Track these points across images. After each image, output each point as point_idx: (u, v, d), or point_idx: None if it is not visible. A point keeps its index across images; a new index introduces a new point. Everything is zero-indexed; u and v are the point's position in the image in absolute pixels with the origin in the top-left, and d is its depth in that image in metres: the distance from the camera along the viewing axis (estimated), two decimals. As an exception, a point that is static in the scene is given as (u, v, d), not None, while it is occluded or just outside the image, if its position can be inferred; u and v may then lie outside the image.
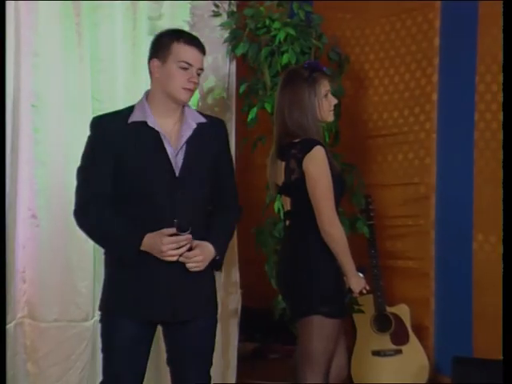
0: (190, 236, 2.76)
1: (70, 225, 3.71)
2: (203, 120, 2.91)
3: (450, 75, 4.55)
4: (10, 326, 3.63)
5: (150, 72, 2.88)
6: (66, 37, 3.71)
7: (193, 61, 2.82)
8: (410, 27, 4.76)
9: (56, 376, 3.76)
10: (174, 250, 2.75)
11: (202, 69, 2.87)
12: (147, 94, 2.90)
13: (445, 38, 4.58)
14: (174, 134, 2.84)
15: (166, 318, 2.86)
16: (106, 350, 2.91)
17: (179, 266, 2.80)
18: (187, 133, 2.85)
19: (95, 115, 2.98)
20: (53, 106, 3.72)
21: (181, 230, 2.73)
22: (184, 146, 2.83)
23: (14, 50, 3.55)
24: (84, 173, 2.86)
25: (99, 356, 3.83)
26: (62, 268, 3.72)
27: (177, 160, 2.81)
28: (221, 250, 2.90)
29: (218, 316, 4.19)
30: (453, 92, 4.54)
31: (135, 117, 2.83)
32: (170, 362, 2.98)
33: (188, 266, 2.80)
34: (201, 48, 2.87)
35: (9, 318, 3.63)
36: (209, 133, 2.91)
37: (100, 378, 3.67)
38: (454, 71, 4.53)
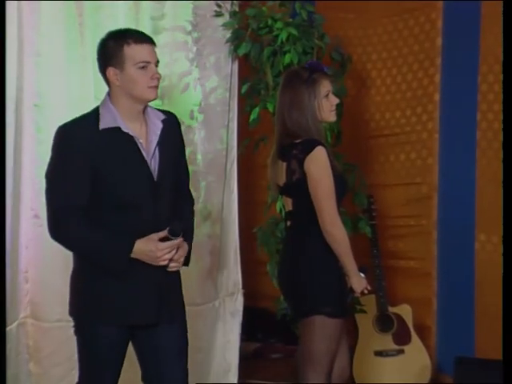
0: (182, 239, 2.75)
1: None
2: (163, 116, 2.87)
3: (452, 75, 4.55)
4: (12, 326, 3.64)
5: (108, 81, 2.78)
6: (69, 37, 3.72)
7: (149, 57, 2.75)
8: (413, 27, 4.76)
9: (59, 376, 3.76)
10: (168, 254, 2.74)
11: (158, 60, 2.80)
12: (109, 97, 2.80)
13: (447, 38, 4.57)
14: (143, 136, 2.79)
15: (153, 320, 2.81)
16: (86, 355, 2.84)
17: (161, 267, 2.78)
18: (156, 134, 2.81)
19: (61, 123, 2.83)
20: (55, 105, 3.72)
21: (174, 234, 2.71)
22: (156, 149, 2.80)
23: (16, 50, 3.56)
24: (57, 184, 2.73)
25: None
26: (65, 268, 3.67)
27: (152, 164, 2.78)
28: (191, 244, 2.88)
29: (220, 315, 4.26)
30: (455, 92, 4.54)
31: (106, 123, 2.73)
32: (142, 366, 2.92)
33: (170, 265, 2.79)
34: (150, 41, 2.78)
35: (11, 318, 3.63)
36: (170, 129, 2.87)
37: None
38: (456, 71, 4.53)
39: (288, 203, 3.25)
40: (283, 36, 4.01)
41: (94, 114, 2.78)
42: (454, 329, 4.54)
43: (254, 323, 4.88)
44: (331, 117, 3.25)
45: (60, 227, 2.75)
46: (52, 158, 2.78)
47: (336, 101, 3.23)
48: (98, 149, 2.71)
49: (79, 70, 3.75)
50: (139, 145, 2.76)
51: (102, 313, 2.78)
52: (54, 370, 3.76)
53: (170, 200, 2.84)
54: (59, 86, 3.74)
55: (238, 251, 4.30)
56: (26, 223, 3.69)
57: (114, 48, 2.73)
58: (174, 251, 2.75)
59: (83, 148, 2.70)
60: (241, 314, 4.30)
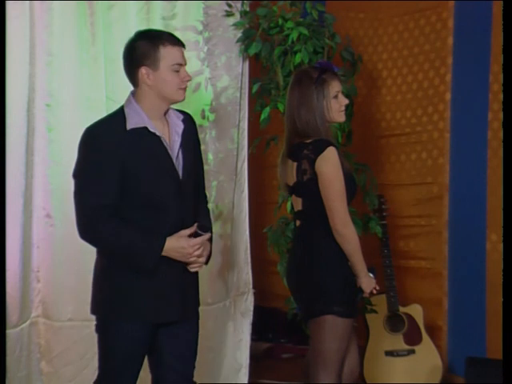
0: (210, 235, 2.83)
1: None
2: (182, 116, 2.91)
3: (463, 75, 4.54)
4: (24, 326, 3.65)
5: (135, 80, 2.81)
6: (80, 36, 3.73)
7: (182, 60, 2.82)
8: (424, 27, 4.75)
9: (70, 375, 3.77)
10: (197, 250, 2.79)
11: (186, 62, 2.86)
12: (134, 97, 2.83)
13: (458, 38, 4.56)
14: (166, 136, 2.84)
15: (177, 317, 2.86)
16: (109, 353, 2.86)
17: (182, 266, 2.83)
18: (179, 134, 2.86)
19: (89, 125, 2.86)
20: (67, 105, 3.74)
21: (203, 229, 2.79)
22: (180, 148, 2.85)
23: (28, 50, 3.57)
24: (88, 184, 2.76)
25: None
26: (77, 267, 3.73)
27: (178, 163, 2.83)
28: (211, 242, 2.94)
29: (231, 315, 4.26)
30: (466, 91, 4.52)
31: (134, 123, 2.77)
32: (155, 362, 2.95)
33: (192, 265, 2.84)
34: (182, 44, 2.85)
35: (23, 317, 3.65)
36: (189, 129, 2.93)
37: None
38: (467, 71, 4.51)
39: (297, 203, 3.25)
40: (294, 35, 4.01)
41: (120, 114, 2.81)
42: (466, 329, 4.52)
43: (265, 323, 4.88)
44: (340, 117, 3.24)
45: (92, 227, 2.77)
46: (81, 159, 2.81)
47: (345, 101, 3.23)
48: (127, 148, 2.74)
49: (91, 69, 3.77)
50: (165, 144, 2.81)
51: (130, 310, 2.81)
52: (65, 369, 3.77)
53: (192, 199, 2.90)
54: (71, 86, 3.75)
55: (249, 251, 4.31)
56: (38, 223, 3.71)
57: (148, 48, 2.77)
58: (202, 247, 2.81)
59: (112, 148, 2.73)
60: (251, 313, 4.30)
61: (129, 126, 2.76)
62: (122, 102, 3.80)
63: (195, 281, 2.94)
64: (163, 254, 2.76)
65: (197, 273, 2.92)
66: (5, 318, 3.27)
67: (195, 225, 2.81)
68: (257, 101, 4.21)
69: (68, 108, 3.73)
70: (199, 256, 2.82)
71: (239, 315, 4.28)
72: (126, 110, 2.81)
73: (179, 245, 2.76)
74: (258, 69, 4.25)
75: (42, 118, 3.69)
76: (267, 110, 4.11)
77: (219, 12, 4.11)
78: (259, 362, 4.62)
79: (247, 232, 4.29)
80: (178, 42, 2.82)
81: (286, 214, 4.11)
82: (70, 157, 3.75)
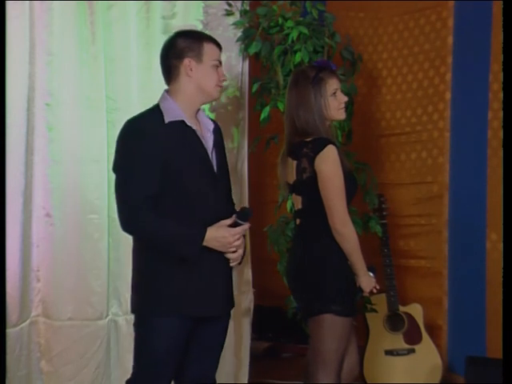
0: (249, 225, 2.87)
1: (84, 224, 3.76)
2: (209, 119, 3.01)
3: (463, 74, 4.54)
4: (24, 325, 3.65)
5: (176, 73, 2.88)
6: (80, 36, 3.73)
7: (220, 60, 2.95)
8: (424, 26, 4.75)
9: (70, 374, 3.78)
10: (238, 240, 2.83)
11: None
12: (170, 94, 2.90)
13: (458, 37, 4.56)
14: (200, 132, 2.91)
15: (220, 312, 2.91)
16: (151, 351, 2.84)
17: (224, 259, 2.87)
18: (210, 132, 2.94)
19: (129, 117, 2.92)
20: (67, 104, 3.74)
21: (243, 219, 2.83)
22: (213, 147, 2.93)
23: (28, 49, 3.58)
24: (131, 176, 2.78)
25: (113, 355, 3.88)
26: (76, 267, 3.73)
27: (212, 158, 2.90)
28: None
29: (231, 314, 4.26)
30: (466, 91, 4.52)
31: (171, 116, 2.84)
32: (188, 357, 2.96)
33: (232, 257, 2.88)
34: (220, 46, 2.99)
35: (23, 316, 3.65)
36: (219, 132, 3.02)
37: (114, 375, 3.70)
38: (467, 70, 4.51)
39: (298, 201, 3.25)
40: (294, 35, 4.01)
41: (156, 110, 2.87)
42: (465, 328, 4.52)
43: (265, 322, 4.88)
44: (340, 115, 3.24)
45: (136, 218, 2.79)
46: (122, 152, 2.84)
47: (344, 99, 3.23)
48: (167, 141, 2.79)
49: (90, 69, 3.77)
50: (201, 139, 2.88)
51: (174, 305, 2.82)
52: (65, 368, 3.78)
53: (225, 195, 2.98)
54: (70, 85, 3.75)
55: (249, 250, 4.30)
56: (38, 222, 3.71)
57: (193, 41, 2.89)
58: (242, 238, 2.85)
59: (153, 140, 2.78)
60: (251, 312, 4.30)
61: (167, 120, 2.82)
62: (121, 101, 3.84)
63: (231, 275, 2.97)
64: (204, 243, 2.78)
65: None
66: (5, 318, 3.27)
67: (234, 215, 2.84)
68: (257, 100, 4.20)
69: (68, 107, 3.74)
70: (239, 246, 2.85)
71: (239, 314, 4.27)
72: (163, 105, 2.88)
73: (220, 234, 2.80)
74: (258, 68, 4.25)
75: (42, 117, 3.69)
76: (267, 109, 4.11)
77: (219, 11, 4.10)
78: (259, 362, 4.61)
79: (247, 231, 4.28)
80: (217, 43, 2.96)
81: (286, 213, 4.11)
82: (70, 156, 3.78)
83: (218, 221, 2.83)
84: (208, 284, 2.85)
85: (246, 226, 2.84)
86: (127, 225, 2.82)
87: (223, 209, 2.90)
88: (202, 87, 2.89)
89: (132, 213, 2.78)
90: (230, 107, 4.19)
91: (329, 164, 3.10)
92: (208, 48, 2.90)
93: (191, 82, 2.88)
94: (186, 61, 2.86)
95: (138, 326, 2.89)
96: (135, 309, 2.91)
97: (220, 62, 2.94)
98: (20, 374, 3.63)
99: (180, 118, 2.84)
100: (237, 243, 2.84)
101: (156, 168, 2.76)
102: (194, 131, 2.86)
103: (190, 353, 2.92)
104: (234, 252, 2.86)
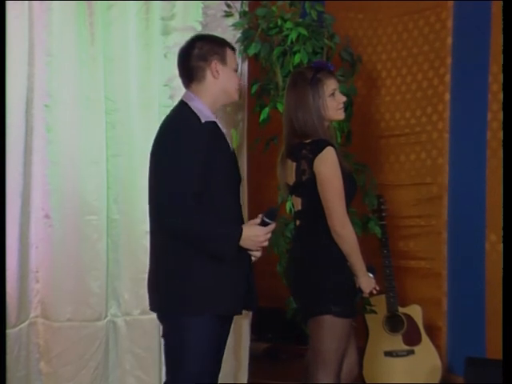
0: (275, 224, 2.91)
1: (83, 225, 3.76)
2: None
3: (462, 75, 4.54)
4: (23, 326, 3.65)
5: (202, 74, 2.93)
6: (80, 36, 3.74)
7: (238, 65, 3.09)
8: (423, 27, 4.75)
9: (69, 375, 3.78)
10: (267, 240, 2.89)
11: None
12: (195, 94, 2.94)
13: (457, 38, 4.56)
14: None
15: (241, 310, 2.94)
16: (191, 353, 2.82)
17: (247, 257, 2.92)
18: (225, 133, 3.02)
19: (164, 115, 2.99)
20: (66, 105, 3.74)
21: (271, 218, 2.86)
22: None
23: (27, 50, 3.58)
24: (178, 173, 2.78)
25: (112, 355, 3.87)
26: (75, 268, 3.74)
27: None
28: None
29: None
30: (465, 92, 4.52)
31: (206, 116, 2.88)
32: None
33: (257, 256, 2.94)
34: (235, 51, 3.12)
35: (22, 317, 3.65)
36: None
37: (113, 376, 3.69)
38: (466, 71, 4.51)
39: (297, 203, 3.25)
40: (293, 36, 4.01)
41: (188, 109, 2.90)
42: (465, 329, 4.52)
43: (265, 323, 4.87)
44: (338, 115, 3.24)
45: (183, 215, 2.78)
46: (166, 151, 2.83)
47: (343, 99, 3.23)
48: (206, 140, 2.83)
49: (90, 69, 3.77)
50: (228, 140, 2.97)
51: (215, 304, 2.83)
52: (64, 369, 3.78)
53: (240, 194, 3.08)
54: (70, 86, 3.76)
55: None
56: (37, 223, 3.71)
57: (217, 45, 2.99)
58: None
59: (196, 138, 2.82)
60: (251, 313, 4.29)
61: (203, 120, 2.86)
62: (120, 102, 3.84)
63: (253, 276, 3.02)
64: (241, 243, 2.82)
65: None
66: (5, 318, 3.27)
67: (261, 215, 2.88)
68: (256, 101, 4.20)
69: (67, 108, 3.74)
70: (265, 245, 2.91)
71: (239, 315, 4.27)
72: (193, 105, 2.91)
73: (253, 233, 2.84)
74: (258, 69, 4.25)
75: (41, 118, 3.70)
76: (266, 110, 4.11)
77: (218, 12, 4.10)
78: (259, 362, 4.61)
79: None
80: (235, 49, 3.10)
81: (286, 214, 4.11)
82: (68, 157, 3.78)
83: (239, 221, 2.92)
84: (236, 282, 2.88)
85: (273, 225, 2.88)
86: (172, 222, 2.79)
87: (241, 209, 3.00)
88: (226, 89, 2.97)
89: (179, 210, 2.77)
90: (229, 108, 4.18)
91: (328, 166, 3.10)
92: (229, 53, 3.01)
93: (217, 83, 2.95)
94: (213, 63, 2.93)
95: (173, 325, 2.85)
96: (165, 308, 2.88)
97: (237, 68, 3.05)
98: (19, 375, 3.63)
99: (213, 119, 2.91)
100: (266, 243, 2.89)
101: (200, 166, 2.80)
102: (222, 132, 2.95)
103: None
104: (258, 251, 2.92)
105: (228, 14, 4.11)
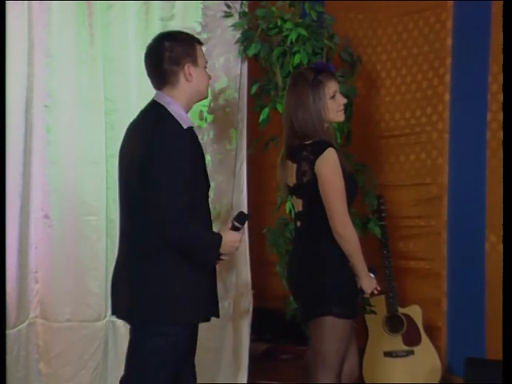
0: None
1: (82, 225, 3.77)
2: None
3: (462, 75, 4.54)
4: (22, 326, 3.65)
5: (175, 78, 2.87)
6: (79, 37, 3.73)
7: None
8: (423, 27, 4.75)
9: (68, 376, 3.78)
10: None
11: None
12: (171, 98, 2.87)
13: (457, 38, 4.56)
14: None
15: (217, 315, 2.96)
16: (168, 359, 2.80)
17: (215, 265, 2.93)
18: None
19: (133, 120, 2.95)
20: (65, 106, 3.74)
21: (242, 222, 2.88)
22: None
23: (26, 50, 3.58)
24: (177, 184, 2.72)
25: (111, 356, 3.87)
26: (75, 268, 3.73)
27: None
28: None
29: (230, 316, 4.27)
30: (465, 92, 4.52)
31: (187, 122, 2.84)
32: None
33: (225, 260, 2.92)
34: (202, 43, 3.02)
35: (21, 318, 3.65)
36: None
37: (112, 377, 3.68)
38: (466, 71, 4.51)
39: (298, 204, 3.25)
40: (293, 36, 4.01)
41: (168, 114, 2.83)
42: (465, 330, 4.52)
43: (264, 324, 4.87)
44: (338, 117, 3.24)
45: (179, 228, 2.74)
46: (157, 160, 2.74)
47: (343, 101, 3.22)
48: (191, 146, 2.81)
49: (89, 70, 3.77)
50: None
51: (197, 312, 2.84)
52: (64, 369, 3.78)
53: None
54: (69, 87, 3.76)
55: (248, 252, 4.30)
56: (36, 223, 3.71)
57: (188, 46, 2.90)
58: None
59: (184, 146, 2.77)
60: (250, 314, 4.30)
61: (185, 125, 2.82)
62: (120, 103, 3.84)
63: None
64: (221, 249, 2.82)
65: None
66: (5, 319, 3.27)
67: (232, 219, 2.89)
68: (256, 101, 4.20)
69: (66, 108, 3.74)
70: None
71: (238, 316, 4.27)
72: (174, 109, 2.85)
73: (232, 238, 2.84)
74: (257, 69, 4.25)
75: (41, 118, 3.69)
76: (266, 110, 4.11)
77: (218, 13, 4.11)
78: (258, 363, 4.61)
79: (246, 233, 4.28)
80: (201, 42, 2.99)
81: (285, 214, 4.11)
82: (68, 157, 3.78)
83: (211, 227, 2.90)
84: (212, 289, 2.91)
85: (242, 228, 2.89)
86: (170, 231, 2.74)
87: (210, 216, 2.95)
88: (199, 89, 2.93)
89: (175, 220, 2.72)
90: (229, 109, 4.19)
91: (329, 167, 3.09)
92: (199, 50, 2.93)
93: (190, 86, 2.90)
94: (186, 67, 2.87)
95: (152, 334, 2.79)
96: (144, 318, 2.81)
97: (206, 61, 2.98)
98: (18, 376, 3.63)
99: (191, 124, 2.88)
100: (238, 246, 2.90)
101: (189, 174, 2.75)
102: (197, 137, 2.92)
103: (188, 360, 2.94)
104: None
105: (228, 15, 4.12)
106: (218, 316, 2.95)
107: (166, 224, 2.72)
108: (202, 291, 2.83)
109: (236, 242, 2.85)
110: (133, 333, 2.87)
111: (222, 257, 2.88)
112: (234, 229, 2.87)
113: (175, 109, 2.84)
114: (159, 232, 2.73)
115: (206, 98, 3.04)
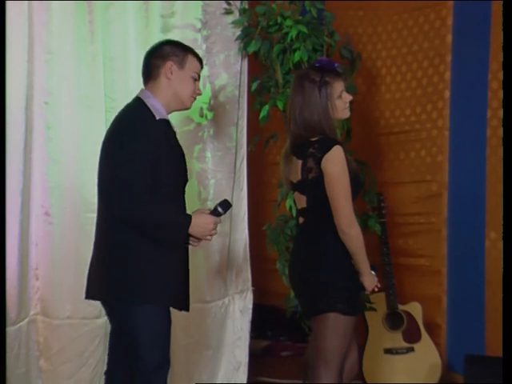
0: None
1: (83, 222, 3.76)
2: None
3: (462, 72, 4.54)
4: (23, 323, 3.65)
5: (157, 72, 2.98)
6: (79, 34, 3.73)
7: (199, 75, 3.07)
8: (423, 24, 4.75)
9: (69, 373, 3.78)
10: (215, 229, 2.94)
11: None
12: (151, 93, 2.98)
13: (457, 36, 4.56)
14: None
15: (187, 308, 3.01)
16: (150, 338, 2.86)
17: (187, 250, 2.99)
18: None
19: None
20: (65, 103, 3.74)
21: (225, 209, 2.94)
22: None
23: (27, 48, 3.57)
24: (134, 164, 2.81)
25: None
26: (75, 265, 3.72)
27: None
28: None
29: (230, 313, 4.27)
30: (465, 89, 4.52)
31: (160, 114, 2.93)
32: None
33: (206, 239, 2.97)
34: (202, 65, 3.12)
35: (22, 315, 3.65)
36: None
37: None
38: (466, 68, 4.51)
39: (301, 200, 3.23)
40: (293, 33, 4.01)
41: (143, 106, 2.94)
42: (465, 327, 4.52)
43: (264, 321, 4.88)
44: (345, 114, 3.25)
45: (139, 207, 2.81)
46: (121, 143, 2.85)
47: (349, 98, 3.22)
48: (159, 136, 2.88)
49: (89, 67, 3.76)
50: (179, 141, 3.01)
51: (168, 294, 2.90)
52: (64, 366, 3.77)
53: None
54: (69, 84, 3.75)
55: (248, 249, 4.30)
56: (37, 220, 3.71)
57: (179, 49, 3.02)
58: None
59: (150, 133, 2.86)
60: (250, 311, 4.30)
61: (158, 117, 2.91)
62: (120, 100, 3.82)
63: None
64: (190, 230, 2.86)
65: None
66: (5, 316, 3.27)
67: (216, 204, 2.95)
68: (256, 99, 4.20)
69: (67, 106, 3.73)
70: (213, 235, 2.95)
71: (238, 313, 4.27)
72: (149, 102, 2.94)
73: (203, 220, 2.89)
74: (257, 67, 4.24)
75: (41, 115, 3.69)
76: (266, 107, 4.10)
77: (218, 10, 4.10)
78: (258, 360, 4.62)
79: (246, 230, 4.29)
80: (201, 59, 3.08)
81: (286, 211, 4.11)
82: (68, 155, 3.78)
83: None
84: (184, 280, 2.98)
85: (221, 216, 2.95)
86: (129, 213, 2.82)
87: (185, 208, 3.02)
88: (178, 94, 2.99)
89: (136, 202, 2.80)
90: (229, 106, 4.18)
91: (336, 165, 3.08)
92: (191, 59, 3.01)
93: (169, 85, 2.98)
94: (169, 63, 2.96)
95: (132, 313, 2.87)
96: (119, 297, 2.89)
97: (199, 77, 3.05)
98: (19, 373, 3.63)
99: (166, 117, 2.96)
100: (214, 231, 2.93)
101: (152, 159, 2.83)
102: (174, 132, 3.00)
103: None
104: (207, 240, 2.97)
105: (228, 12, 4.12)
106: (187, 309, 2.99)
107: (120, 199, 2.81)
108: (172, 277, 2.90)
109: (208, 225, 2.89)
110: (109, 317, 3.02)
111: (192, 240, 2.94)
112: (215, 214, 2.93)
113: (152, 102, 2.94)
114: (120, 217, 2.82)
115: (187, 108, 3.08)
